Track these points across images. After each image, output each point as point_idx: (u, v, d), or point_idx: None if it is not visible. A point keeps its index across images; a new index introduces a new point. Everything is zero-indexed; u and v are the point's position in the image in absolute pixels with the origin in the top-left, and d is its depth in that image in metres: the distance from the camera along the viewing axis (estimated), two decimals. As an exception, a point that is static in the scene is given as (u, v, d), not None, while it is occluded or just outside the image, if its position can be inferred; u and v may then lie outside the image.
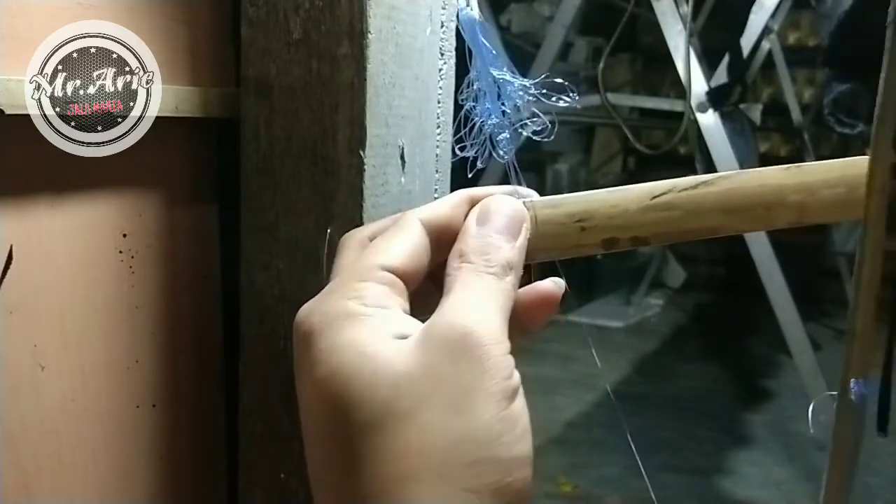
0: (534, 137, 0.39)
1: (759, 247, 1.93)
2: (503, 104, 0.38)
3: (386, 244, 0.34)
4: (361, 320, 0.30)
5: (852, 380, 0.32)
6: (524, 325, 0.35)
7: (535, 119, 0.39)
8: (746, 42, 2.22)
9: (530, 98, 0.38)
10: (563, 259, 0.36)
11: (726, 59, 2.18)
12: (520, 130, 0.38)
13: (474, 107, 0.38)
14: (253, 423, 0.51)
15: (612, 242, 0.36)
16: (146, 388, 0.51)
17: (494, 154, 0.39)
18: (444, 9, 0.52)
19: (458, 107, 0.40)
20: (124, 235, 0.49)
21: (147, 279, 0.50)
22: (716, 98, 2.00)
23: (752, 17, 2.20)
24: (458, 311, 0.30)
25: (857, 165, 0.34)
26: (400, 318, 0.31)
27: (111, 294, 0.48)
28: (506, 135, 0.38)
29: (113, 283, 0.48)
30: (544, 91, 0.38)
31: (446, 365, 0.29)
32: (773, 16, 2.36)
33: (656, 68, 4.41)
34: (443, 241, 0.35)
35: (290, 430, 0.49)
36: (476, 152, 0.39)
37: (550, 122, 0.39)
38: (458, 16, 0.38)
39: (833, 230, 3.49)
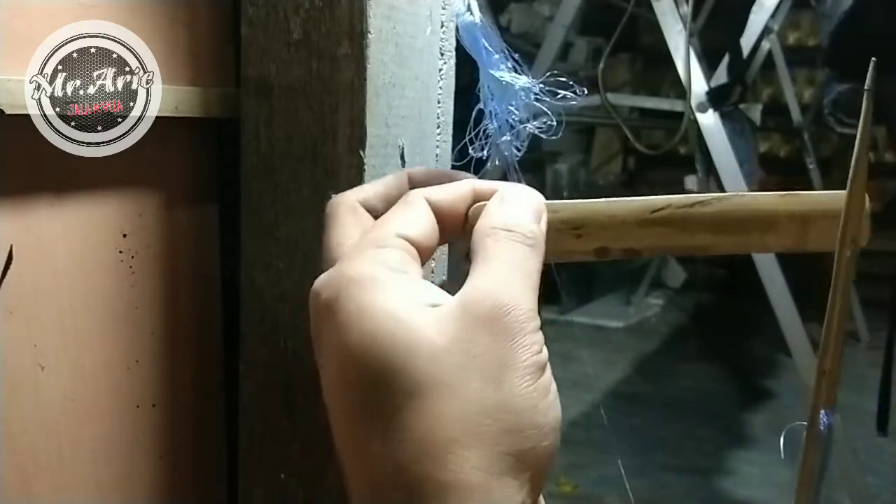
0: (540, 136, 0.39)
1: (759, 247, 1.93)
2: (511, 105, 0.38)
3: (400, 216, 0.34)
4: (389, 284, 0.30)
5: (822, 411, 0.35)
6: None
7: (541, 118, 0.39)
8: (746, 42, 2.22)
9: (534, 97, 0.38)
10: (556, 262, 0.37)
11: (726, 59, 2.18)
12: (528, 129, 0.39)
13: (487, 109, 0.38)
14: (253, 423, 0.51)
15: (604, 251, 0.37)
16: (146, 388, 0.51)
17: (506, 154, 0.39)
18: (444, 9, 0.52)
19: (461, 107, 0.40)
20: (124, 235, 0.49)
21: (147, 279, 0.50)
22: (716, 98, 2.00)
23: (752, 17, 2.20)
24: (499, 285, 0.31)
25: (843, 197, 0.35)
26: (425, 286, 0.32)
27: (111, 294, 0.48)
28: (507, 137, 0.38)
29: (113, 283, 0.48)
30: (548, 90, 0.38)
31: (484, 338, 0.29)
32: (773, 16, 2.36)
33: (656, 68, 4.41)
34: (443, 225, 0.35)
35: (290, 430, 0.49)
36: (487, 152, 0.39)
37: (556, 121, 0.39)
38: (456, 23, 0.38)
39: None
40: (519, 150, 0.39)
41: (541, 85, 0.38)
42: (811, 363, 1.93)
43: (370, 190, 0.38)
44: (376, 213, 0.37)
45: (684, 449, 2.47)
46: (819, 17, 2.34)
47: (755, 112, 2.40)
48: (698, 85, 2.00)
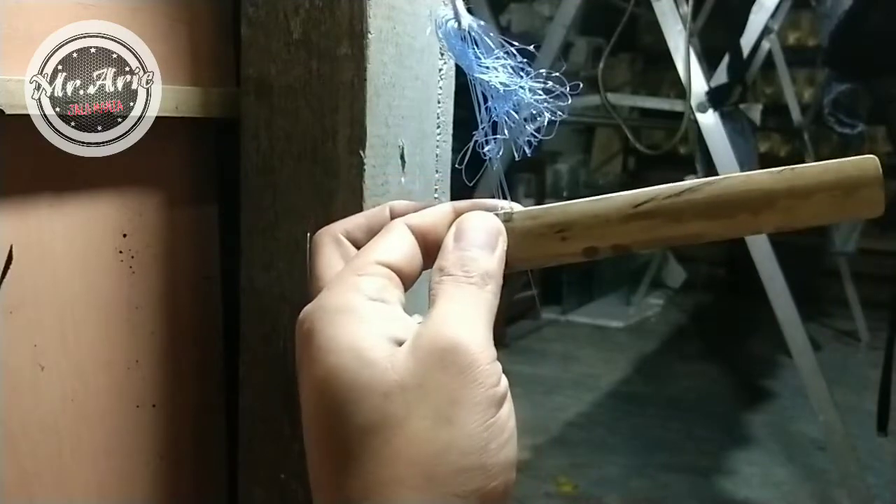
0: (536, 136, 0.39)
1: (760, 247, 1.93)
2: (509, 108, 0.38)
3: (381, 244, 0.35)
4: (360, 316, 0.31)
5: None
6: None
7: (539, 118, 0.38)
8: (746, 42, 2.22)
9: (531, 97, 0.38)
10: (547, 266, 0.37)
11: (726, 59, 2.17)
12: (530, 131, 0.38)
13: (489, 107, 0.38)
14: (253, 423, 0.51)
15: (592, 251, 0.36)
16: (146, 388, 0.51)
17: (520, 152, 0.39)
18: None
19: (461, 107, 0.40)
20: (124, 235, 0.49)
21: (147, 279, 0.50)
22: (716, 98, 1.99)
23: (752, 17, 2.19)
24: (443, 323, 0.31)
25: (853, 166, 0.34)
26: (398, 317, 0.32)
27: (111, 294, 0.48)
28: (494, 144, 0.38)
29: (113, 283, 0.48)
30: (547, 87, 0.38)
31: (435, 375, 0.30)
32: (773, 16, 2.36)
33: (656, 68, 4.41)
34: (427, 249, 0.36)
35: (290, 430, 0.49)
36: (498, 153, 0.39)
37: (552, 119, 0.38)
38: (437, 32, 0.37)
39: (833, 231, 3.48)
40: (515, 156, 0.39)
41: (537, 85, 0.38)
42: (811, 363, 1.93)
43: (353, 222, 0.38)
44: (359, 245, 0.37)
45: (684, 449, 2.47)
46: (819, 17, 2.33)
47: (755, 112, 2.40)
48: (698, 85, 2.00)
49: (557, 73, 0.39)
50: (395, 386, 0.29)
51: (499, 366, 0.31)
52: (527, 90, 0.38)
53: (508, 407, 0.31)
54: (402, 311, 0.33)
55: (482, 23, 0.38)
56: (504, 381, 0.31)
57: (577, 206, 0.36)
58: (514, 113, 0.38)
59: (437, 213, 0.37)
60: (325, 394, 0.30)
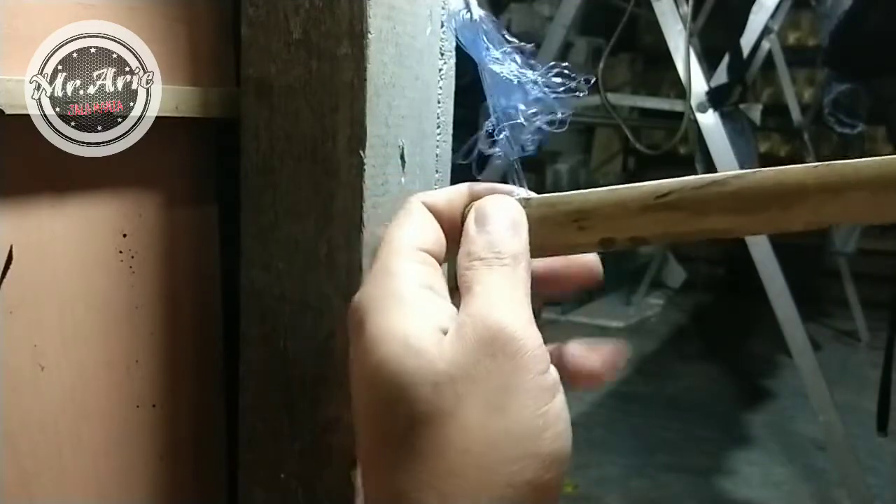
0: (548, 130, 0.38)
1: (760, 247, 1.93)
2: (517, 101, 0.37)
3: (411, 227, 0.34)
4: (411, 304, 0.31)
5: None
6: (549, 292, 0.36)
7: (546, 113, 0.38)
8: (746, 42, 2.22)
9: (540, 90, 0.37)
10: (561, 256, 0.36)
11: (726, 59, 2.17)
12: (537, 124, 0.38)
13: (490, 106, 0.38)
14: (253, 423, 0.51)
15: (609, 242, 0.35)
16: (146, 388, 0.51)
17: (513, 150, 0.38)
18: (444, 9, 0.52)
19: (462, 107, 0.40)
20: (124, 235, 0.49)
21: (147, 279, 0.50)
22: (716, 98, 2.00)
23: (752, 17, 2.20)
24: (487, 309, 0.30)
25: (888, 165, 0.32)
26: (446, 306, 0.32)
27: (111, 294, 0.48)
28: (505, 134, 0.38)
29: (113, 283, 0.48)
30: (554, 82, 0.38)
31: (484, 363, 0.29)
32: (773, 16, 2.36)
33: (656, 68, 4.42)
34: (444, 229, 0.35)
35: (290, 430, 0.49)
36: (493, 149, 0.39)
37: (562, 116, 0.38)
38: (453, 22, 0.37)
39: (833, 231, 3.49)
40: (524, 149, 0.38)
41: (545, 79, 0.38)
42: (811, 363, 1.93)
43: (434, 196, 0.37)
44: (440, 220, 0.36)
45: (684, 449, 2.47)
46: (819, 17, 2.34)
47: (755, 112, 2.40)
48: (698, 85, 2.00)
49: (566, 65, 0.38)
50: (444, 376, 0.29)
51: (546, 352, 0.30)
52: (539, 83, 0.37)
53: (561, 396, 0.30)
54: (448, 300, 0.32)
55: (491, 16, 0.38)
56: (553, 369, 0.30)
57: (597, 195, 0.34)
58: (523, 105, 0.37)
59: (454, 193, 0.36)
60: (376, 384, 0.29)
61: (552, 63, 0.38)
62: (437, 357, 0.29)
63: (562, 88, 0.38)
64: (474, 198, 0.36)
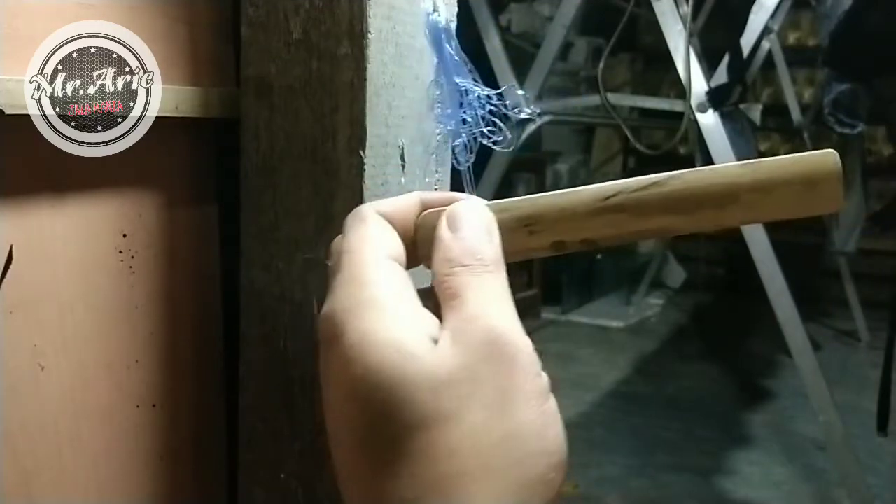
0: (493, 147, 0.39)
1: (759, 247, 1.93)
2: (464, 112, 0.37)
3: (373, 236, 0.34)
4: (393, 312, 0.30)
5: None
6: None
7: (496, 128, 0.38)
8: (746, 42, 2.22)
9: (492, 108, 0.38)
10: (514, 262, 0.36)
11: (726, 59, 2.17)
12: (478, 139, 0.38)
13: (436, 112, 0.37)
14: (253, 423, 0.51)
15: (560, 245, 0.35)
16: (146, 388, 0.51)
17: (454, 162, 0.38)
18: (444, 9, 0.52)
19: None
20: (124, 235, 0.49)
21: (147, 279, 0.50)
22: (716, 98, 1.99)
23: (752, 17, 2.19)
24: (482, 315, 0.30)
25: (813, 160, 0.33)
26: (425, 313, 0.31)
27: (111, 294, 0.48)
28: (461, 141, 0.38)
29: (113, 283, 0.48)
30: (507, 102, 0.38)
31: (484, 367, 0.29)
32: (773, 16, 2.36)
33: (656, 68, 4.41)
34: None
35: (290, 430, 0.49)
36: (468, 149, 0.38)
37: (507, 134, 0.38)
38: (425, 21, 0.37)
39: (833, 230, 3.49)
40: (463, 160, 0.38)
41: (497, 95, 0.38)
42: (811, 363, 1.93)
43: (385, 205, 0.36)
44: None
45: (684, 449, 2.47)
46: (819, 17, 2.34)
47: (755, 112, 2.40)
48: (698, 85, 2.00)
49: (521, 92, 0.39)
50: (444, 380, 0.29)
51: (537, 356, 0.31)
52: (492, 100, 0.37)
53: (554, 400, 0.31)
54: (422, 307, 0.32)
55: (453, 22, 0.38)
56: (544, 374, 0.31)
57: (545, 200, 0.35)
58: (469, 119, 0.37)
59: (405, 202, 0.36)
60: (365, 392, 0.29)
61: (506, 86, 0.39)
62: (435, 362, 0.29)
63: (514, 109, 0.38)
64: (425, 206, 0.36)
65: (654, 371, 3.26)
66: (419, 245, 0.36)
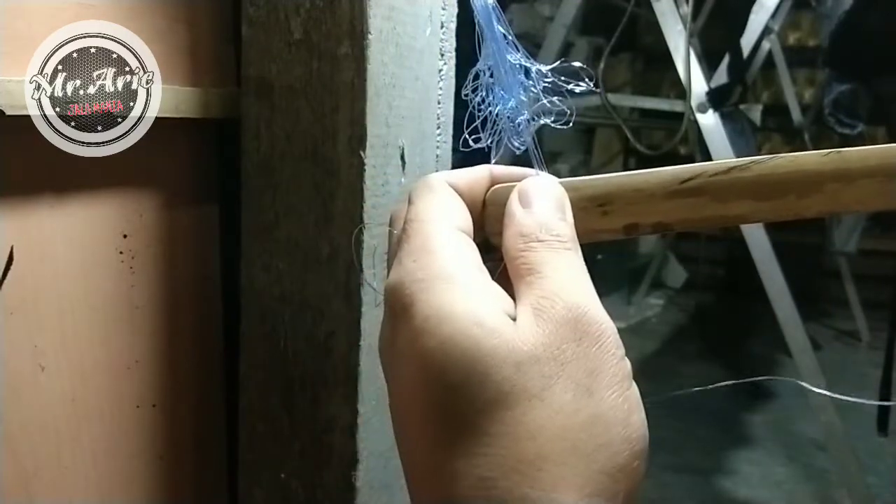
0: (553, 125, 0.38)
1: (760, 247, 1.93)
2: (522, 90, 0.37)
3: (443, 206, 0.32)
4: (469, 286, 0.29)
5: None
6: None
7: (551, 109, 0.37)
8: (746, 42, 2.22)
9: (547, 84, 0.37)
10: (583, 244, 0.35)
11: (726, 59, 2.17)
12: (536, 118, 0.37)
13: (484, 97, 0.37)
14: (253, 423, 0.51)
15: (633, 228, 0.34)
16: (146, 388, 0.51)
17: (510, 142, 0.38)
18: (444, 9, 0.52)
19: (463, 103, 0.39)
20: (124, 236, 0.48)
21: (147, 279, 0.50)
22: (716, 98, 1.99)
23: (752, 17, 2.19)
24: (565, 292, 0.29)
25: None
26: (498, 289, 0.30)
27: (111, 294, 0.48)
28: (524, 118, 0.37)
29: (113, 283, 0.48)
30: (562, 78, 0.37)
31: (570, 346, 0.28)
32: (773, 16, 2.36)
33: (656, 68, 4.41)
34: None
35: (290, 430, 0.49)
36: (491, 142, 0.38)
37: (567, 109, 0.37)
38: (475, 2, 0.37)
39: (833, 230, 3.48)
40: (522, 140, 0.38)
41: (550, 71, 0.37)
42: (811, 363, 1.93)
43: (456, 176, 0.35)
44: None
45: (684, 449, 2.47)
46: (819, 17, 2.34)
47: (755, 112, 2.40)
48: (698, 85, 2.00)
49: (573, 64, 0.38)
50: (528, 357, 0.27)
51: (620, 339, 0.30)
52: (546, 76, 0.37)
53: (635, 386, 0.29)
54: (492, 281, 0.30)
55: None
56: (627, 359, 0.30)
57: (620, 179, 0.34)
58: (524, 98, 0.37)
59: (476, 174, 0.35)
60: (440, 365, 0.27)
61: (558, 61, 0.38)
62: (518, 337, 0.28)
63: (568, 85, 0.37)
64: (495, 181, 0.35)
65: (654, 371, 3.26)
66: (488, 220, 0.34)
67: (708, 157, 2.03)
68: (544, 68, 0.37)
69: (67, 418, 0.46)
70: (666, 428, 2.62)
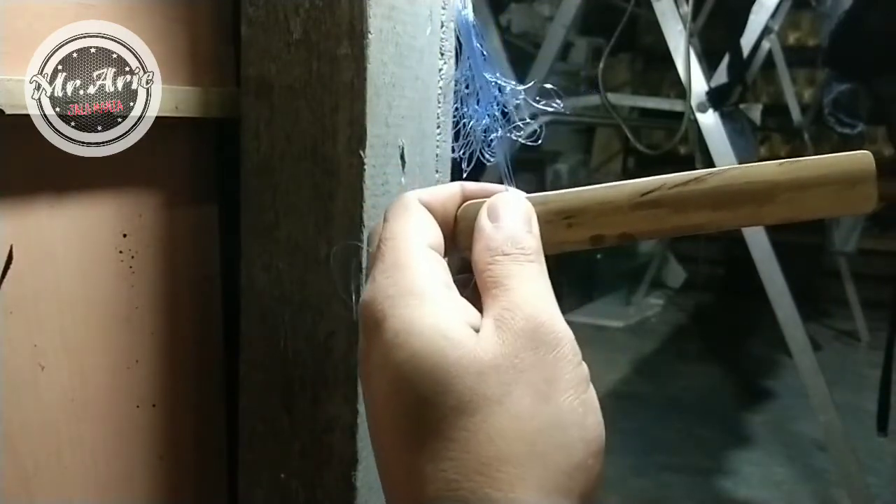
0: (524, 142, 0.39)
1: (760, 247, 1.93)
2: (497, 107, 0.38)
3: (414, 224, 0.34)
4: (437, 301, 0.31)
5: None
6: None
7: (526, 123, 0.39)
8: (746, 42, 2.22)
9: (522, 102, 0.38)
10: (550, 255, 0.37)
11: (726, 59, 2.17)
12: (512, 136, 0.38)
13: (459, 108, 0.38)
14: (253, 423, 0.51)
15: (599, 239, 0.36)
16: (146, 388, 0.51)
17: (485, 157, 0.39)
18: (444, 9, 0.52)
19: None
20: (124, 235, 0.49)
21: (147, 279, 0.50)
22: (716, 98, 2.00)
23: (752, 17, 2.19)
24: (526, 303, 0.31)
25: (850, 161, 0.34)
26: (464, 303, 0.32)
27: (111, 294, 0.48)
28: (497, 136, 0.38)
29: (113, 283, 0.48)
30: (537, 98, 0.38)
31: (527, 355, 0.30)
32: (773, 16, 2.36)
33: (656, 68, 4.42)
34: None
35: (290, 430, 0.49)
36: (463, 153, 0.39)
37: (544, 125, 0.38)
38: (456, 18, 0.37)
39: (833, 230, 3.49)
40: (493, 155, 0.39)
41: (527, 91, 0.38)
42: (811, 363, 1.93)
43: (427, 194, 0.37)
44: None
45: (684, 449, 2.47)
46: (819, 17, 2.34)
47: (755, 112, 2.40)
48: (698, 85, 2.00)
49: (551, 87, 0.39)
50: (488, 366, 0.29)
51: (577, 346, 0.31)
52: (522, 96, 0.38)
53: (593, 389, 0.31)
54: (461, 297, 0.32)
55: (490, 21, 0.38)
56: (584, 364, 0.31)
57: (585, 193, 0.36)
58: (497, 114, 0.38)
59: (448, 191, 0.36)
60: (409, 376, 0.29)
61: (534, 81, 0.39)
62: (479, 348, 0.30)
63: (542, 104, 0.38)
64: (467, 197, 0.37)
65: (653, 371, 3.26)
66: (459, 235, 0.36)
67: (708, 157, 2.03)
68: (519, 87, 0.38)
69: (67, 418, 0.46)
70: (666, 428, 2.62)
